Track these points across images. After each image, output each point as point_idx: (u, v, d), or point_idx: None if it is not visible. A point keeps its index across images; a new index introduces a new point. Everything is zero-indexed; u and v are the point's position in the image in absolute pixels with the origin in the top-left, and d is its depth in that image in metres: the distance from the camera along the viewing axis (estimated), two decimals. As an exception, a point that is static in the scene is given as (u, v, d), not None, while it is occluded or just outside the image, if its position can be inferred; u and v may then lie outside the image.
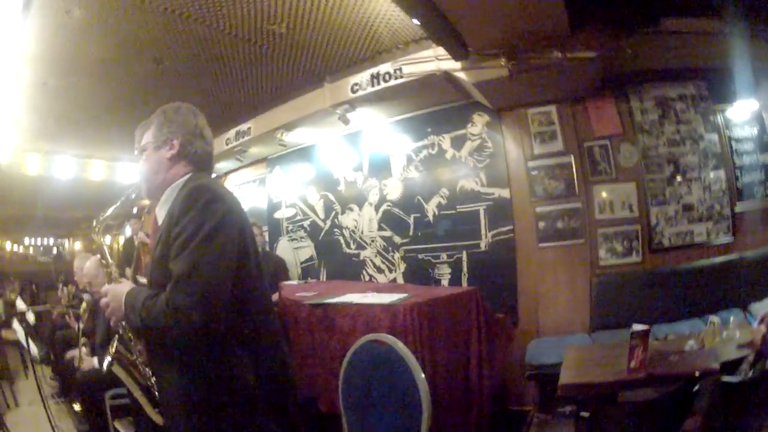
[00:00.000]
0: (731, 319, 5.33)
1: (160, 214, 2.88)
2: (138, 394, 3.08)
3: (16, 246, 24.48)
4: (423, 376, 3.78)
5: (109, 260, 3.24)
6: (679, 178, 7.27)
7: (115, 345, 3.07)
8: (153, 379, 3.00)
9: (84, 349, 6.69)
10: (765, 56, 6.51)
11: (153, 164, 2.97)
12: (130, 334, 3.08)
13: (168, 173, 2.94)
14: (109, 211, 3.32)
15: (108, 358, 3.07)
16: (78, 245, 23.84)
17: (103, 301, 2.77)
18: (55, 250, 25.39)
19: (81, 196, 13.50)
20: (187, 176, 2.92)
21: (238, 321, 2.59)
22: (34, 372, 7.58)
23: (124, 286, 2.75)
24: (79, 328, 7.33)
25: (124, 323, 2.94)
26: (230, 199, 2.75)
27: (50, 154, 11.16)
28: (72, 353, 7.19)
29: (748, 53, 6.36)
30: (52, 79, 7.69)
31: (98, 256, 6.97)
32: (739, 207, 7.20)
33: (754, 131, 7.40)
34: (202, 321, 2.37)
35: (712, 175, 7.23)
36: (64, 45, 6.71)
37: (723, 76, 7.16)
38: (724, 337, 4.87)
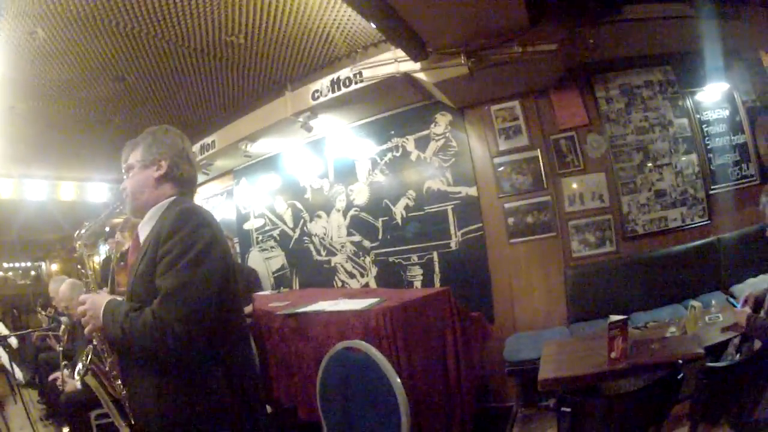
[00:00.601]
0: (713, 302, 5.31)
1: (143, 231, 2.94)
2: (109, 406, 3.05)
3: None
4: (399, 380, 3.73)
5: (89, 272, 3.27)
6: (649, 165, 7.28)
7: (89, 356, 3.04)
8: (124, 392, 2.97)
9: (66, 371, 6.62)
10: (734, 36, 6.51)
11: (139, 183, 3.01)
12: (103, 346, 3.04)
13: (153, 193, 3.00)
14: (92, 223, 3.34)
15: (79, 366, 3.04)
16: (54, 267, 23.72)
17: (81, 308, 2.81)
18: (33, 273, 25.23)
19: (53, 218, 13.46)
20: (172, 198, 2.99)
21: (216, 341, 2.64)
22: (21, 396, 7.52)
23: (103, 297, 2.81)
24: (59, 350, 7.26)
25: (98, 334, 2.92)
26: (216, 225, 2.84)
27: (21, 177, 11.12)
28: (55, 375, 7.09)
29: (717, 34, 6.36)
30: (20, 103, 7.66)
31: (72, 279, 6.90)
32: (714, 189, 7.23)
33: (726, 113, 7.43)
34: (186, 336, 2.45)
35: (683, 159, 7.25)
36: (29, 68, 6.69)
37: (691, 59, 7.19)
38: (706, 320, 4.86)
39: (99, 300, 2.76)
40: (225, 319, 2.70)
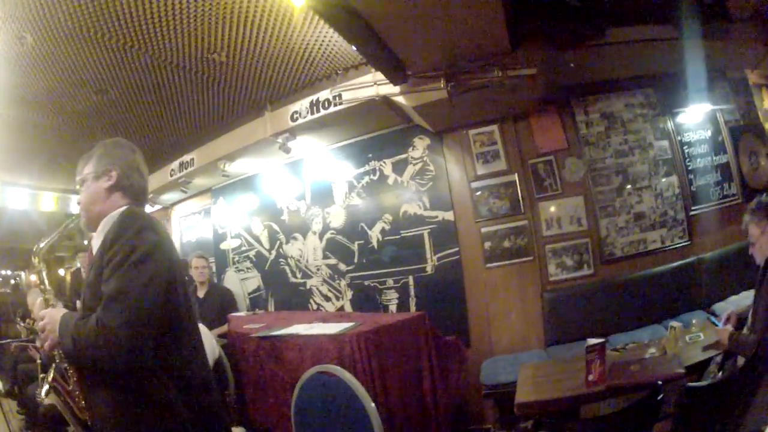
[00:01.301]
0: (693, 321, 5.32)
1: (96, 242, 2.92)
2: (73, 425, 3.04)
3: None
4: (373, 405, 3.75)
5: (47, 287, 3.26)
6: (628, 188, 7.31)
7: (52, 373, 3.01)
8: (87, 412, 2.96)
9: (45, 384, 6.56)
10: (719, 55, 6.54)
11: (92, 194, 3.05)
12: (65, 362, 3.02)
13: (105, 204, 3.02)
14: (47, 240, 3.31)
15: (45, 386, 3.01)
16: (34, 278, 23.63)
17: (40, 324, 2.79)
18: (13, 282, 25.06)
19: (36, 227, 13.39)
20: (123, 208, 2.97)
21: (167, 353, 2.65)
22: (1, 405, 7.45)
23: (60, 311, 2.78)
24: (39, 362, 7.20)
25: (58, 349, 2.88)
26: (162, 231, 2.86)
27: (4, 184, 11.17)
28: (33, 387, 7.02)
29: (701, 54, 6.39)
30: (4, 109, 7.63)
31: (43, 297, 6.84)
32: (695, 210, 7.28)
33: (708, 133, 7.49)
34: (129, 340, 2.42)
35: (664, 181, 7.28)
36: (15, 73, 6.65)
37: (674, 81, 7.23)
38: (687, 340, 4.85)
39: (56, 314, 2.74)
40: (174, 327, 2.70)
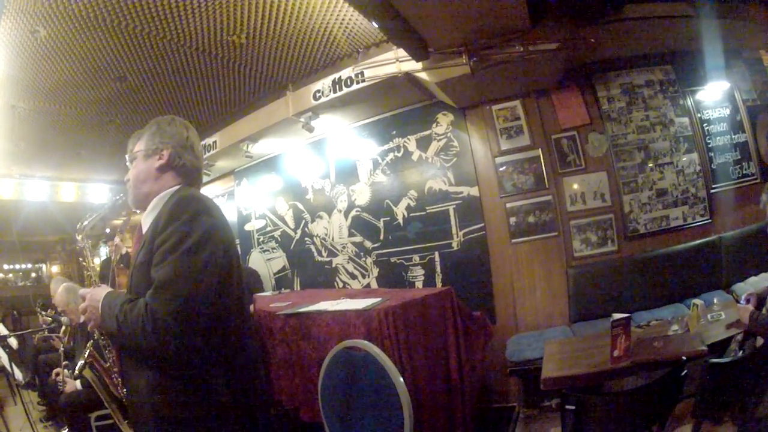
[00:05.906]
0: (714, 300, 5.31)
1: (146, 223, 2.84)
2: (107, 402, 3.02)
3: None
4: (401, 379, 3.71)
5: (90, 264, 3.22)
6: (650, 164, 7.29)
7: (89, 349, 3.00)
8: (124, 390, 2.91)
9: (66, 371, 6.57)
10: (734, 35, 6.51)
11: (141, 173, 2.96)
12: (105, 341, 3.03)
13: (155, 183, 2.94)
14: (94, 215, 3.31)
15: (80, 362, 3.00)
16: (55, 269, 23.63)
17: (82, 306, 2.76)
18: (33, 275, 25.10)
19: (54, 219, 13.39)
20: (175, 188, 2.91)
21: (216, 338, 2.56)
22: (21, 397, 7.48)
23: (102, 290, 2.74)
24: (60, 350, 7.23)
25: (101, 330, 2.88)
26: (218, 214, 2.76)
27: (22, 177, 11.09)
28: (57, 370, 7.06)
29: (717, 33, 6.38)
30: (21, 102, 7.67)
31: (67, 283, 6.84)
32: (715, 188, 7.25)
33: (726, 112, 7.46)
34: (179, 330, 2.36)
35: (684, 158, 7.27)
36: (30, 67, 6.70)
37: (691, 58, 7.23)
38: (709, 318, 4.85)
39: (98, 293, 2.70)
40: (225, 315, 2.63)
